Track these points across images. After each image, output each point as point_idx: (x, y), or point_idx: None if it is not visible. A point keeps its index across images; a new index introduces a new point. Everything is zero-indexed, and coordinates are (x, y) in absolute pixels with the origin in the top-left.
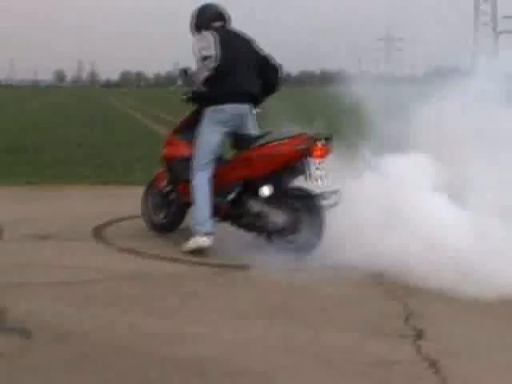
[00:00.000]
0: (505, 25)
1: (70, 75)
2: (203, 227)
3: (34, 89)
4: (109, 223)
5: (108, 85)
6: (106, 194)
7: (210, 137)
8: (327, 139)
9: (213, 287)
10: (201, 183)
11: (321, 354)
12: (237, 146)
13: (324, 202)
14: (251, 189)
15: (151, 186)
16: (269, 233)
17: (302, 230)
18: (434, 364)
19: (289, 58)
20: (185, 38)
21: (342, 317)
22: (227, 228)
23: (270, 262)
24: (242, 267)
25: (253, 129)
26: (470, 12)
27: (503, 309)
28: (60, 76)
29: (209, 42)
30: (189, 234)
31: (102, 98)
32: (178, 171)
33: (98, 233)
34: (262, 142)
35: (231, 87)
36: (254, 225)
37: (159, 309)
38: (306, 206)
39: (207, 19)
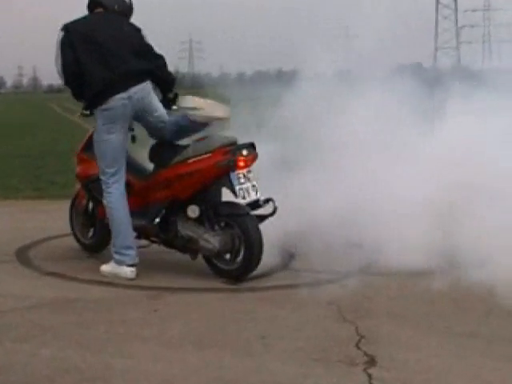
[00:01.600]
0: (466, 19)
1: (10, 81)
2: (123, 258)
3: None
4: (36, 243)
5: (51, 90)
6: (40, 209)
7: (108, 141)
8: (250, 147)
9: (145, 313)
10: (114, 203)
11: None
12: (153, 159)
13: (258, 213)
14: (178, 208)
15: (74, 204)
16: (205, 257)
17: (239, 248)
18: None
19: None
20: None
21: (286, 343)
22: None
23: (208, 284)
24: (179, 290)
25: (159, 108)
26: (432, 6)
27: (459, 328)
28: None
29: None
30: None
31: (45, 104)
32: (94, 191)
33: (23, 254)
34: (179, 158)
35: (106, 76)
36: (188, 248)
37: (83, 340)
38: (240, 223)
39: (89, 5)
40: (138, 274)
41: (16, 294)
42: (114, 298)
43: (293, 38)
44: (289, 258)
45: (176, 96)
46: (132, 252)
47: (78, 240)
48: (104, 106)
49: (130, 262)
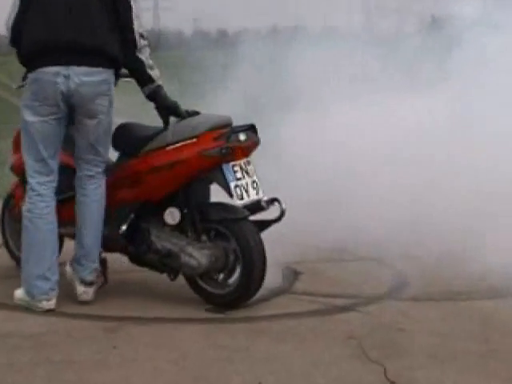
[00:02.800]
0: None
1: None
2: (32, 290)
3: None
4: None
5: None
6: None
7: (32, 125)
8: (250, 130)
9: (101, 352)
10: (34, 217)
11: None
12: (117, 146)
13: (260, 218)
14: (152, 211)
15: (8, 206)
16: (188, 276)
17: (234, 266)
18: None
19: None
20: None
21: None
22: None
23: (187, 314)
24: (147, 321)
25: (105, 113)
26: None
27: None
28: None
29: None
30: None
31: None
32: None
33: None
34: (154, 145)
35: (41, 38)
36: (166, 265)
37: None
38: (236, 231)
39: None
40: (92, 300)
41: None
42: (58, 330)
43: None
44: (292, 277)
45: (174, 108)
46: (45, 284)
47: (13, 253)
48: (32, 76)
49: (41, 298)
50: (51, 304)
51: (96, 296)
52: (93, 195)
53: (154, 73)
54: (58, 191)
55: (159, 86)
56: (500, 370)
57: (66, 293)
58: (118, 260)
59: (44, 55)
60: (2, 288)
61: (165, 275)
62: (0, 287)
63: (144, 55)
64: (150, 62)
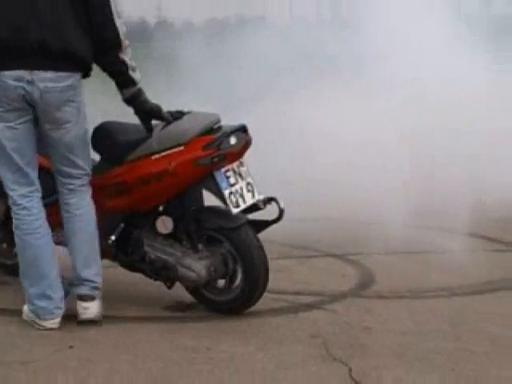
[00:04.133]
0: None
1: None
2: (36, 310)
3: None
4: None
5: None
6: None
7: (1, 135)
8: (240, 131)
9: (56, 352)
10: (18, 230)
11: None
12: (99, 150)
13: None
14: (142, 219)
15: None
16: (190, 288)
17: (236, 270)
18: None
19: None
20: None
21: None
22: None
23: (148, 311)
24: (106, 319)
25: (73, 121)
26: None
27: (487, 368)
28: None
29: None
30: None
31: None
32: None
33: None
34: (139, 153)
35: (1, 36)
36: (161, 275)
37: None
38: (232, 236)
39: None
40: (99, 318)
41: None
42: (10, 330)
43: None
44: None
45: (156, 112)
46: (49, 304)
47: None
48: None
49: (46, 317)
50: (55, 322)
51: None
52: (76, 210)
53: (136, 75)
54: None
55: (140, 90)
56: (468, 370)
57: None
58: None
59: (5, 57)
60: None
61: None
62: None
63: (127, 56)
64: (133, 63)
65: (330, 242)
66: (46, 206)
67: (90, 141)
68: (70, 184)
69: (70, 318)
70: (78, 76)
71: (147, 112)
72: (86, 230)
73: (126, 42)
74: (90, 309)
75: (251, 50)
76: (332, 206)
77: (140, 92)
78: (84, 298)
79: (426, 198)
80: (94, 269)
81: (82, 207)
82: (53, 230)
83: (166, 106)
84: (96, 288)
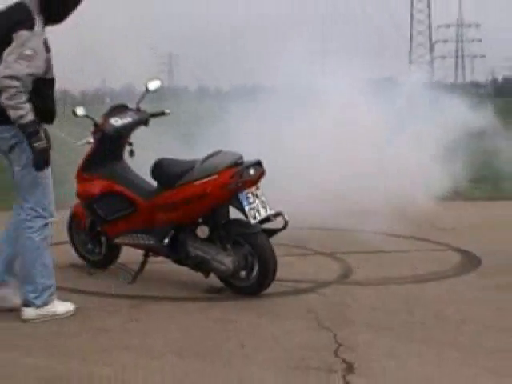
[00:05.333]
0: (439, 34)
1: None
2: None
3: None
4: None
5: None
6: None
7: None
8: (257, 165)
9: (127, 323)
10: (46, 240)
11: None
12: (156, 178)
13: (270, 227)
14: (187, 228)
15: (73, 222)
16: (220, 277)
17: (253, 264)
18: None
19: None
20: (111, 56)
21: (266, 352)
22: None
23: (190, 294)
24: (161, 299)
25: (17, 165)
26: (406, 22)
27: (438, 337)
28: None
29: None
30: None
31: None
32: (100, 212)
33: None
34: (185, 180)
35: None
36: (201, 268)
37: (66, 349)
38: (251, 240)
39: None
40: (119, 284)
41: None
42: (95, 307)
43: (269, 54)
44: None
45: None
46: (54, 289)
47: (83, 257)
48: None
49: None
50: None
51: (122, 281)
52: (21, 237)
53: (16, 113)
54: (111, 213)
55: (24, 125)
56: (423, 336)
57: (108, 277)
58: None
59: None
60: (55, 275)
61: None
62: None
63: (4, 97)
64: (11, 102)
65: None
66: (111, 220)
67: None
68: (19, 214)
69: (134, 297)
70: (6, 128)
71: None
72: (25, 256)
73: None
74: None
75: None
76: None
77: (24, 127)
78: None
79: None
80: (28, 285)
81: (24, 235)
82: (113, 238)
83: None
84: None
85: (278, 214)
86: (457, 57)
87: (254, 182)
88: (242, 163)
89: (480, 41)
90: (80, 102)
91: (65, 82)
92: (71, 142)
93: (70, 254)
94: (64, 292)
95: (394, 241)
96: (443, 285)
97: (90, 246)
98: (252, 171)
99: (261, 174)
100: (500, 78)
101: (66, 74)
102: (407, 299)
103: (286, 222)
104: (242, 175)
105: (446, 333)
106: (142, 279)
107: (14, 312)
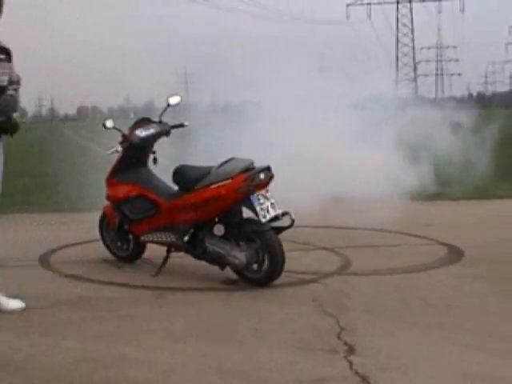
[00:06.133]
0: (422, 55)
1: (30, 111)
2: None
3: None
4: (55, 250)
5: (67, 119)
6: (57, 220)
7: None
8: (267, 170)
9: (151, 310)
10: None
11: (254, 374)
12: (176, 182)
13: (278, 225)
14: (205, 226)
15: (104, 222)
16: (235, 270)
17: (264, 258)
18: (364, 378)
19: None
20: (132, 74)
21: (275, 335)
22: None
23: (208, 285)
24: (182, 290)
25: None
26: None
27: (427, 320)
28: (22, 113)
29: None
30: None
31: (60, 131)
32: (127, 212)
33: (45, 259)
34: (202, 184)
35: None
36: (217, 262)
37: (98, 333)
38: (262, 236)
39: None
40: (144, 277)
41: (40, 294)
42: (123, 296)
43: (274, 71)
44: None
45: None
46: None
47: (113, 252)
48: None
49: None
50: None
51: (146, 275)
52: None
53: None
54: (137, 213)
55: None
56: (414, 320)
57: (135, 271)
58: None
59: None
60: (88, 269)
61: (191, 259)
62: (86, 269)
63: None
64: None
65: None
66: (137, 220)
67: None
68: None
69: (159, 288)
70: None
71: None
72: None
73: None
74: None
75: None
76: None
77: None
78: None
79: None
80: None
81: None
82: (139, 236)
83: None
84: None
85: (285, 214)
86: (437, 75)
87: (264, 185)
88: (253, 168)
89: (457, 61)
90: (108, 117)
91: (95, 99)
92: (102, 151)
93: (101, 250)
94: (96, 284)
95: (386, 236)
96: (430, 275)
97: (118, 243)
98: (262, 175)
99: (270, 177)
100: (474, 93)
101: (94, 92)
102: (399, 288)
103: (293, 221)
104: (254, 179)
105: (433, 316)
106: (165, 272)
107: (50, 301)
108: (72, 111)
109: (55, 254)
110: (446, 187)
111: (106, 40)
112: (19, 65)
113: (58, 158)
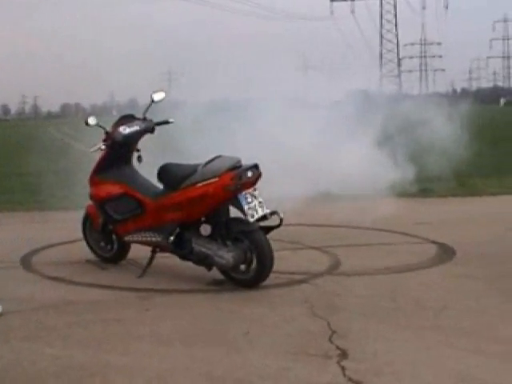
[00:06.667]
0: (406, 51)
1: (13, 109)
2: None
3: None
4: (38, 250)
5: (50, 116)
6: (39, 220)
7: None
8: (254, 168)
9: (138, 313)
10: None
11: (245, 380)
12: (162, 180)
13: (266, 224)
14: (191, 226)
15: (87, 222)
16: (222, 270)
17: (252, 259)
18: None
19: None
20: (118, 71)
21: (266, 339)
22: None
23: (196, 286)
24: (169, 292)
25: None
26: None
27: (420, 322)
28: (5, 110)
29: None
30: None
31: (43, 129)
32: (111, 212)
33: (27, 260)
34: (188, 182)
35: None
36: (204, 262)
37: (83, 338)
38: (250, 236)
39: None
40: (130, 278)
41: (21, 297)
42: (109, 299)
43: (257, 68)
44: None
45: None
46: None
47: (96, 253)
48: None
49: None
50: None
51: (131, 275)
52: None
53: None
54: (121, 213)
55: None
56: (407, 322)
57: (119, 272)
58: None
59: None
60: (72, 270)
61: (178, 260)
62: (70, 270)
63: None
64: None
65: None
66: (121, 220)
67: None
68: None
69: (145, 290)
70: None
71: None
72: None
73: None
74: None
75: None
76: None
77: None
78: None
79: None
80: None
81: None
82: (123, 236)
83: None
84: None
85: (273, 213)
86: (421, 71)
87: (252, 183)
88: (240, 166)
89: (441, 57)
90: (90, 114)
91: (78, 96)
92: (84, 149)
93: (85, 250)
94: (80, 286)
95: (376, 234)
96: (423, 274)
97: (102, 243)
98: (250, 174)
99: (258, 176)
100: (458, 89)
101: (77, 88)
102: (390, 288)
103: (281, 220)
104: (241, 177)
105: (428, 318)
106: (151, 273)
107: (32, 305)
108: (55, 108)
109: (37, 255)
110: (433, 184)
111: (90, 37)
112: (2, 62)
113: (41, 156)
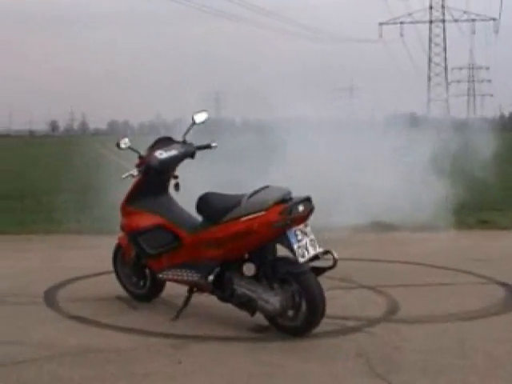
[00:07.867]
0: (454, 75)
1: (62, 125)
2: None
3: (31, 138)
4: (65, 283)
5: (97, 133)
6: (73, 245)
7: None
8: (306, 201)
9: (169, 366)
10: None
11: None
12: (201, 212)
13: (318, 265)
14: (233, 264)
15: (118, 254)
16: (267, 316)
17: (300, 303)
18: None
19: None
20: (165, 89)
21: None
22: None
23: (236, 332)
24: (205, 339)
25: None
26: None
27: (496, 379)
28: (53, 126)
29: None
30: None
31: (91, 145)
32: (144, 245)
33: (51, 295)
34: (231, 216)
35: None
36: (246, 306)
37: None
38: (299, 279)
39: None
40: (162, 321)
41: (38, 340)
42: (136, 347)
43: (303, 89)
44: None
45: None
46: None
47: (127, 289)
48: None
49: None
50: None
51: (163, 319)
52: None
53: None
54: (155, 247)
55: None
56: (480, 382)
57: (151, 312)
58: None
59: None
60: (98, 309)
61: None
62: (97, 308)
63: None
64: None
65: (363, 277)
66: (155, 254)
67: None
68: None
69: (177, 337)
70: None
71: None
72: None
73: None
74: None
75: None
76: None
77: None
78: None
79: None
80: None
81: None
82: (157, 272)
83: None
84: None
85: (327, 252)
86: (469, 95)
87: (303, 218)
88: (290, 199)
89: (489, 81)
90: (139, 132)
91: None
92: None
93: (116, 285)
94: (106, 329)
95: (433, 272)
96: (493, 322)
97: (134, 279)
98: (301, 208)
99: (310, 210)
100: (507, 113)
101: (125, 107)
102: (457, 339)
103: (336, 260)
104: (291, 212)
105: (505, 380)
106: (186, 315)
107: (49, 352)
108: (102, 126)
109: (63, 289)
110: (491, 215)
111: (139, 57)
112: (53, 81)
113: (84, 173)
